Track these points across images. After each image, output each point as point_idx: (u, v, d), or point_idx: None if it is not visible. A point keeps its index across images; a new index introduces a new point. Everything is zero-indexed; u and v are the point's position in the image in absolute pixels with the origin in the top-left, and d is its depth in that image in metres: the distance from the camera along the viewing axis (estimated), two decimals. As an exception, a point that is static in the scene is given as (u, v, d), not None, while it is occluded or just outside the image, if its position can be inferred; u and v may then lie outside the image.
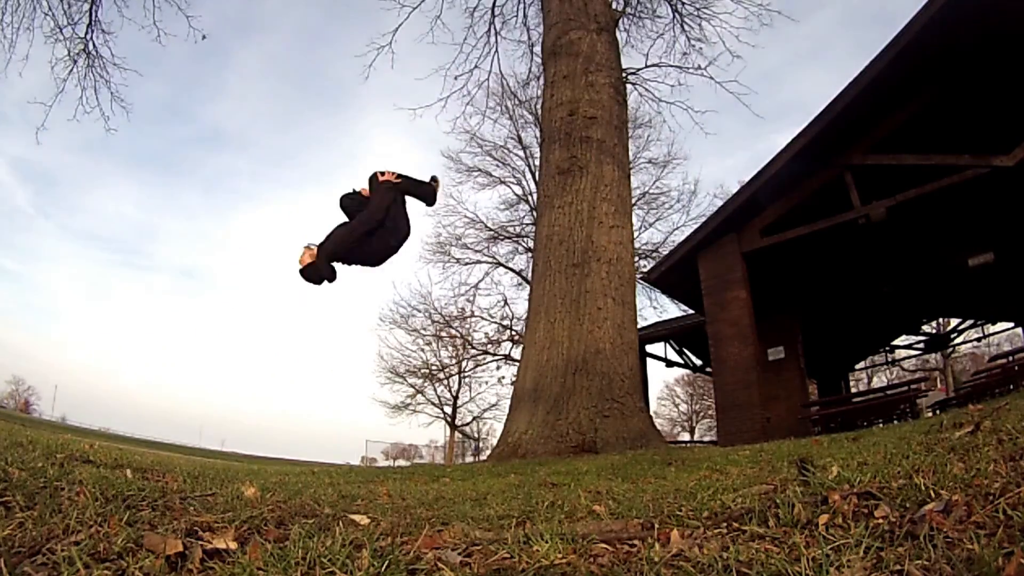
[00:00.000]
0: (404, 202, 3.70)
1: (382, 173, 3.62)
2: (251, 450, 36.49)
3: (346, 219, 3.67)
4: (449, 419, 26.22)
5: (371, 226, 3.51)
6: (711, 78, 11.21)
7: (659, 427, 9.92)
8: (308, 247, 3.48)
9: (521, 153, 23.19)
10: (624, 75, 9.43)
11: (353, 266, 3.66)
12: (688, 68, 11.52)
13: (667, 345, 13.46)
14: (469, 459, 27.18)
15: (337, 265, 3.55)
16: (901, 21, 6.77)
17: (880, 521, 1.22)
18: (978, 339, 19.37)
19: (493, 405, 25.84)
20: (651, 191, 22.91)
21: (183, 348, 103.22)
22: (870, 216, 7.33)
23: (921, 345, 17.16)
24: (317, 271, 3.47)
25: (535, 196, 20.23)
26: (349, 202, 3.70)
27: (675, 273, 9.46)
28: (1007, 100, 7.00)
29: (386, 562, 1.16)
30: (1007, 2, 6.15)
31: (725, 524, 1.42)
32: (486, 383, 25.39)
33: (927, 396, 15.62)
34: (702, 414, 39.62)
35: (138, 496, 1.59)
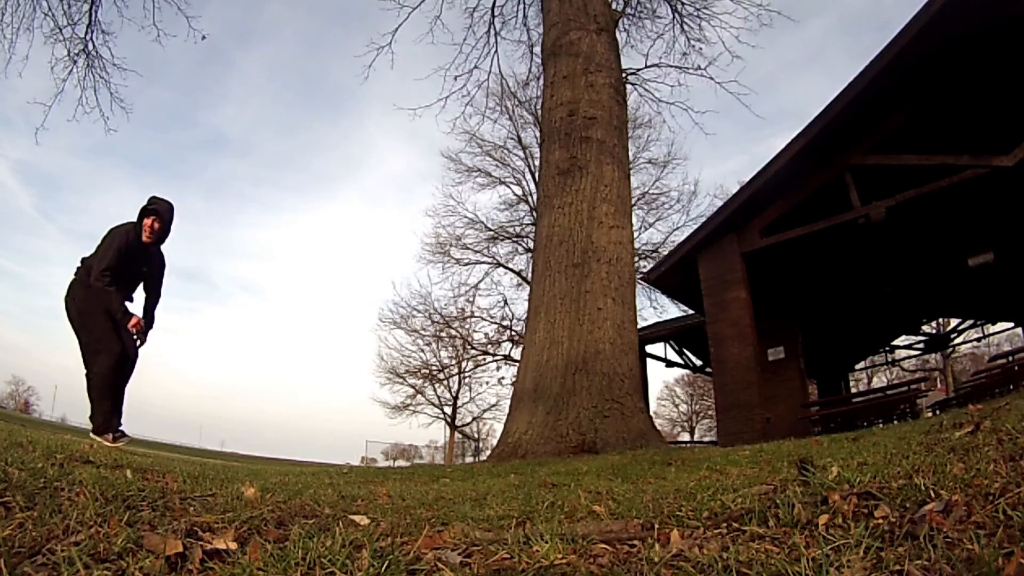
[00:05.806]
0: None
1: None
2: (251, 450, 36.55)
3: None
4: (449, 419, 26.23)
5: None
6: (711, 78, 11.24)
7: (659, 427, 9.92)
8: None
9: (521, 153, 23.24)
10: (624, 75, 9.43)
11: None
12: (688, 68, 11.55)
13: (667, 345, 13.46)
14: (469, 459, 27.18)
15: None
16: (896, 26, 6.81)
17: (880, 521, 1.22)
18: (978, 339, 19.37)
19: (493, 405, 25.89)
20: (651, 191, 22.97)
21: (183, 349, 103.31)
22: (870, 216, 7.32)
23: (921, 345, 17.14)
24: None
25: (535, 196, 20.24)
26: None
27: (675, 273, 9.45)
28: (1007, 100, 7.00)
29: (386, 562, 1.16)
30: (1007, 1, 6.15)
31: (725, 524, 1.42)
32: (486, 383, 25.45)
33: (927, 396, 15.64)
34: (702, 414, 39.63)
35: (138, 496, 1.59)
